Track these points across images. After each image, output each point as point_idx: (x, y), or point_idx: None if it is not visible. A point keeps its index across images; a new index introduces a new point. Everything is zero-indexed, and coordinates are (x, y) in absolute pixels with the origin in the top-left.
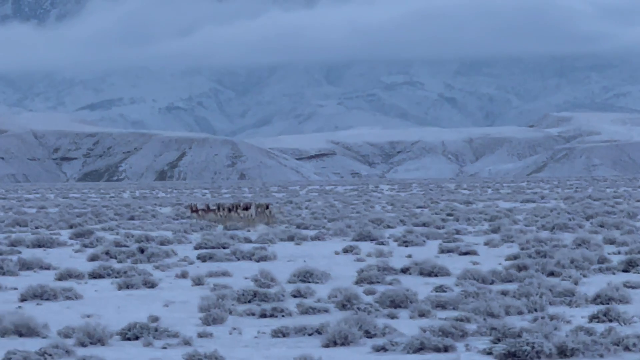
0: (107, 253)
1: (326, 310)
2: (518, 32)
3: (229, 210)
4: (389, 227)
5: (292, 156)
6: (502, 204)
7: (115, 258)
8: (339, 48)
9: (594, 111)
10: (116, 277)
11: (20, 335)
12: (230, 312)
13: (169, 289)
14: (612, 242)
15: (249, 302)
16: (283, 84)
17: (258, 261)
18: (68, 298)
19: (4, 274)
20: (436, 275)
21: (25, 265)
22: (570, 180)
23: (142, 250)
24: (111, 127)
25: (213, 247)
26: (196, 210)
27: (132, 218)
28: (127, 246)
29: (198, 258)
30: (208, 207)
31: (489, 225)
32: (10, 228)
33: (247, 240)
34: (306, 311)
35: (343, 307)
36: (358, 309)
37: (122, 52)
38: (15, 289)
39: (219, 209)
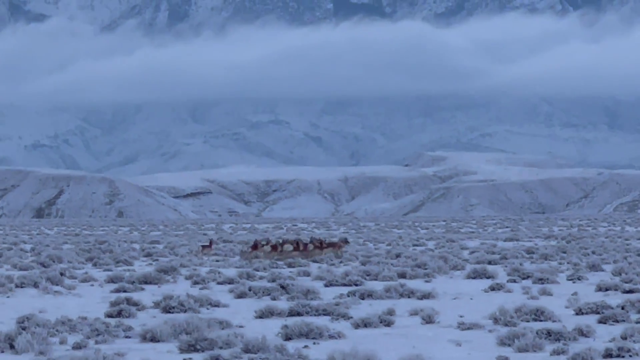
0: None
1: None
2: (389, 69)
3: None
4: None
5: (169, 194)
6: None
7: None
8: (207, 86)
9: (459, 151)
10: None
11: None
12: None
13: None
14: None
15: None
16: (149, 122)
17: None
18: None
19: None
20: None
21: None
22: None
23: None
24: None
25: None
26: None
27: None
28: None
29: None
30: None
31: None
32: None
33: None
34: None
35: None
36: None
37: None
38: None
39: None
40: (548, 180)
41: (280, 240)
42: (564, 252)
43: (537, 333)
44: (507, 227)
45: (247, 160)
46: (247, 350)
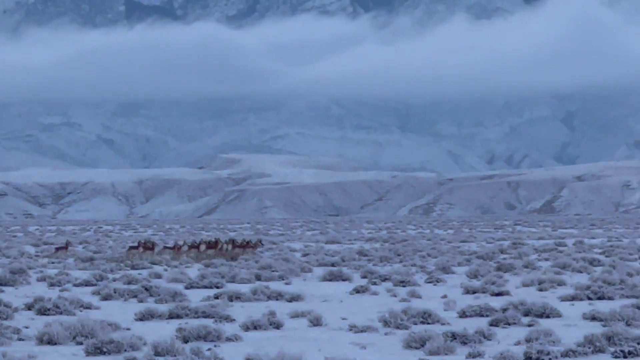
0: None
1: None
2: (182, 71)
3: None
4: None
5: None
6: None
7: None
8: (1, 88)
9: (251, 153)
10: None
11: None
12: None
13: None
14: None
15: None
16: None
17: None
18: None
19: None
20: None
21: None
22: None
23: None
24: None
25: None
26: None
27: None
28: None
29: None
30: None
31: None
32: None
33: None
34: None
35: None
36: None
37: None
38: None
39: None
40: (342, 183)
41: (198, 241)
42: (399, 255)
43: (442, 336)
44: (314, 229)
45: (40, 163)
46: (158, 353)
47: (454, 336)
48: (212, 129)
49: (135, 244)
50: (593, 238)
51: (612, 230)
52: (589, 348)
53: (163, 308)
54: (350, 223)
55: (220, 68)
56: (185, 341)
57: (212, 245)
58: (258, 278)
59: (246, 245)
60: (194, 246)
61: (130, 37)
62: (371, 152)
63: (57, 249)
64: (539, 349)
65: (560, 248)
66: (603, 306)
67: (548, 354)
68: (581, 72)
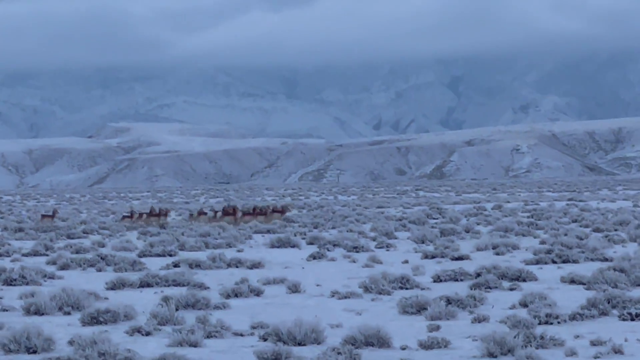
0: None
1: None
2: (69, 41)
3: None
4: None
5: None
6: None
7: None
8: None
9: (138, 122)
10: None
11: None
12: None
13: None
14: None
15: None
16: None
17: None
18: None
19: None
20: None
21: None
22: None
23: None
24: None
25: None
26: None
27: None
28: None
29: None
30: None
31: None
32: None
33: None
34: None
35: None
36: None
37: None
38: None
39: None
40: (232, 151)
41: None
42: (329, 220)
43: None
44: (217, 197)
45: None
46: (161, 322)
47: (448, 301)
48: (99, 99)
49: (128, 213)
50: (508, 202)
51: (516, 195)
52: (595, 311)
53: (133, 277)
54: (250, 190)
55: (108, 37)
56: (175, 309)
57: (255, 212)
58: (206, 245)
59: (281, 210)
60: (229, 213)
61: (16, 7)
62: (258, 120)
63: (44, 217)
64: (547, 312)
65: (484, 212)
66: (574, 269)
67: (557, 317)
68: (466, 38)
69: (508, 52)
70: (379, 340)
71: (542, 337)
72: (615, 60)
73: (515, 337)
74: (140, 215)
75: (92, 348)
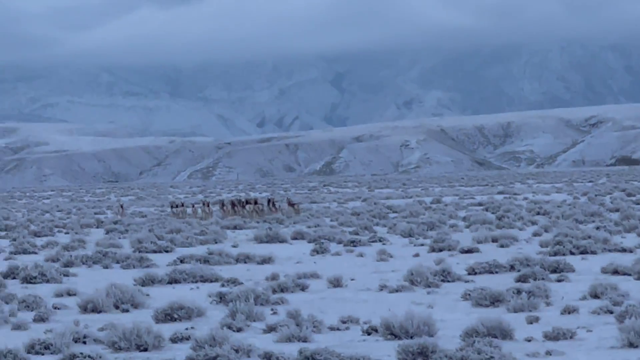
0: None
1: None
2: None
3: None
4: None
5: None
6: None
7: None
8: None
9: (22, 122)
10: None
11: None
12: None
13: None
14: None
15: None
16: None
17: None
18: None
19: None
20: None
21: None
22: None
23: None
24: None
25: None
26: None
27: None
28: None
29: None
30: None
31: None
32: None
33: None
34: None
35: None
36: None
37: None
38: None
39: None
40: (120, 150)
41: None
42: (290, 217)
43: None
44: (128, 195)
45: None
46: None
47: (518, 291)
48: None
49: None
50: (442, 196)
51: (429, 190)
52: None
53: (160, 272)
54: (156, 188)
55: None
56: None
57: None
58: (200, 241)
59: (295, 205)
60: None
61: None
62: (142, 118)
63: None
64: (632, 303)
65: (433, 207)
66: (603, 260)
67: None
68: (350, 34)
69: (392, 48)
70: (501, 332)
71: None
72: (499, 55)
73: None
74: (234, 205)
75: (220, 346)
